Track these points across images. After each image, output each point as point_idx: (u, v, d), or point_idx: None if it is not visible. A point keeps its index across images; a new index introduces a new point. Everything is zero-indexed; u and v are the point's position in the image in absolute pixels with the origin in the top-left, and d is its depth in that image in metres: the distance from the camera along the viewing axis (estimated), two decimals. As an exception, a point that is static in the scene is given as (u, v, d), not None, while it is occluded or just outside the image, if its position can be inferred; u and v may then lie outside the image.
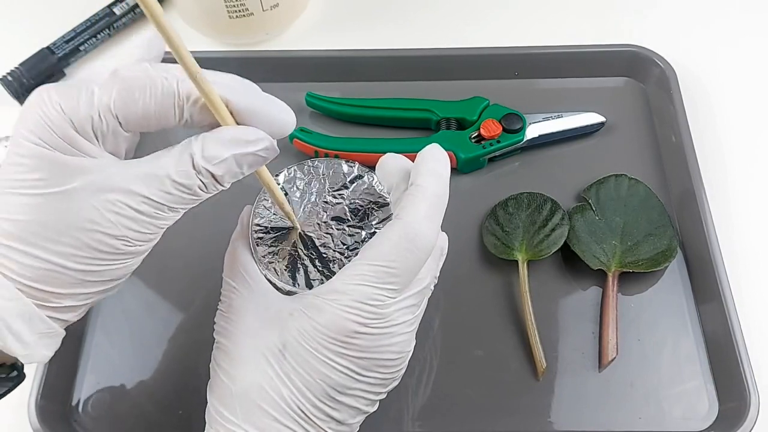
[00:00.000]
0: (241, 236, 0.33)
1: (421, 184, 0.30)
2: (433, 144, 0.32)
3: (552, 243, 0.42)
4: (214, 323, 0.32)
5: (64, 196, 0.26)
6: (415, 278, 0.30)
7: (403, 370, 0.31)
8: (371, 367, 0.29)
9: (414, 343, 0.31)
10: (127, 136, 0.28)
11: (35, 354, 0.27)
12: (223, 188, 0.28)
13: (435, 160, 0.31)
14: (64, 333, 0.28)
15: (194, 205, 0.28)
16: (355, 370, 0.29)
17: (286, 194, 0.34)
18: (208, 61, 0.49)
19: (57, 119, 0.26)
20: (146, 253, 0.29)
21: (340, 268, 0.32)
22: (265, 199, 0.34)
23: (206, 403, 0.37)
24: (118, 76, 0.26)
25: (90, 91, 0.26)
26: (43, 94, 0.26)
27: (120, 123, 0.27)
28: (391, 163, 0.33)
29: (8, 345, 0.26)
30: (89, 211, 0.26)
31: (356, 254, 0.32)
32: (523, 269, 0.41)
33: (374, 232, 0.33)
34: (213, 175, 0.27)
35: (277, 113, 0.29)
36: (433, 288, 0.32)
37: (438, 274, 0.32)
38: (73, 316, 0.28)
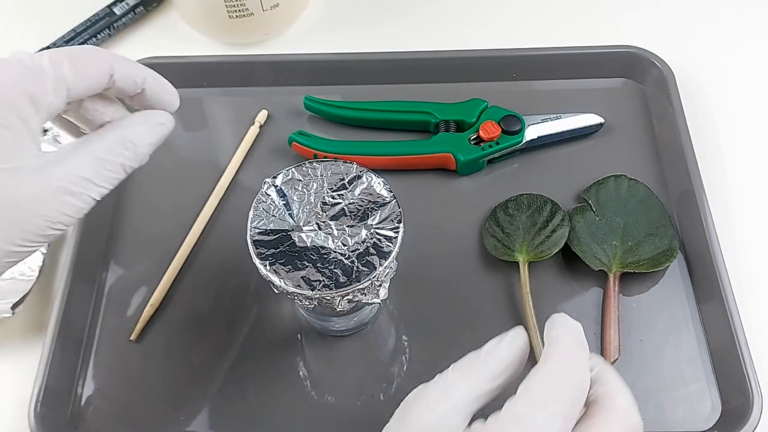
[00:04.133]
0: None
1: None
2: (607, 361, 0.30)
3: (553, 244, 0.42)
4: None
5: (8, 185, 0.26)
6: None
7: None
8: None
9: None
10: (57, 111, 0.29)
11: None
12: (135, 167, 0.30)
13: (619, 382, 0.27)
14: None
15: (113, 187, 0.29)
16: None
17: (284, 196, 0.34)
18: (209, 66, 0.50)
19: (14, 94, 0.27)
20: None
21: (341, 269, 0.32)
22: (263, 201, 0.34)
23: (207, 407, 0.37)
24: (63, 51, 0.28)
25: (43, 63, 0.28)
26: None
27: (66, 96, 0.28)
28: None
29: None
30: (33, 199, 0.26)
31: (357, 254, 0.32)
32: (524, 270, 0.41)
33: (374, 232, 0.33)
34: (134, 148, 0.29)
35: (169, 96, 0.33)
36: None
37: None
38: None
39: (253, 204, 0.34)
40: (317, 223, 0.33)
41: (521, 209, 0.44)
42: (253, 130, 0.48)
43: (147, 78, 0.31)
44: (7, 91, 0.27)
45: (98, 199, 0.29)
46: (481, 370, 0.27)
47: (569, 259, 0.42)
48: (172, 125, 0.32)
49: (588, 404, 0.26)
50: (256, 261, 0.32)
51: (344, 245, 0.32)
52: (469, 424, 0.26)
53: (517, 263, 0.41)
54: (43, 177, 0.27)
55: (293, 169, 0.35)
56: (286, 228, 0.33)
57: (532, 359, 0.40)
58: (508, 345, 0.28)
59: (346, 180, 0.34)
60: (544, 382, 0.26)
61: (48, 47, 0.51)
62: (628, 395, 0.27)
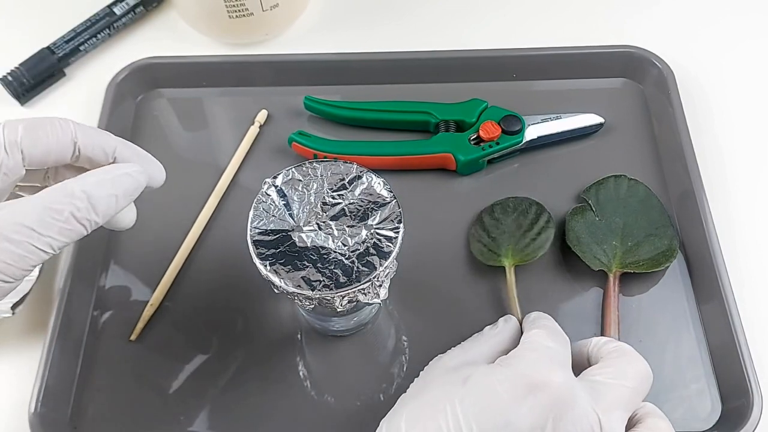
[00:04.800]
0: None
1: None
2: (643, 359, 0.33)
3: (538, 246, 0.42)
4: None
5: None
6: None
7: None
8: None
9: None
10: (20, 177, 0.30)
11: None
12: (97, 220, 0.30)
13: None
14: None
15: (69, 240, 0.29)
16: None
17: (284, 196, 0.34)
18: (209, 66, 0.50)
19: None
20: (4, 296, 0.29)
21: (341, 269, 0.32)
22: (263, 201, 0.34)
23: (207, 408, 0.37)
24: (21, 120, 0.30)
25: None
26: None
27: (23, 158, 0.29)
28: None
29: None
30: None
31: (357, 255, 0.32)
32: (510, 275, 0.41)
33: (374, 232, 0.33)
34: (89, 199, 0.29)
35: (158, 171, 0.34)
36: None
37: None
38: None
39: (253, 204, 0.34)
40: (317, 223, 0.33)
41: (507, 213, 0.44)
42: (253, 130, 0.48)
43: (117, 147, 0.32)
44: None
45: (47, 250, 0.28)
46: (486, 340, 0.35)
47: (569, 259, 0.42)
48: (142, 177, 0.32)
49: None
50: (256, 261, 0.32)
51: (344, 245, 0.32)
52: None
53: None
54: None
55: (293, 169, 0.35)
56: (286, 228, 0.33)
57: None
58: (505, 322, 0.36)
59: (346, 180, 0.34)
60: (547, 326, 0.34)
61: (48, 47, 0.51)
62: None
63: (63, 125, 0.30)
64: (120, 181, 0.31)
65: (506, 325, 0.36)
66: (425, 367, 0.34)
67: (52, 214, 0.28)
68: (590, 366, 0.33)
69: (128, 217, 0.35)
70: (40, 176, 0.33)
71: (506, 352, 0.33)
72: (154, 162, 0.34)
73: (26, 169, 0.30)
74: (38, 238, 0.28)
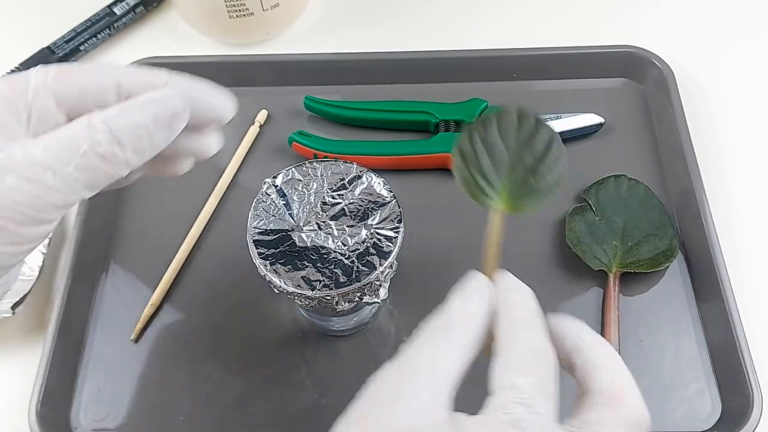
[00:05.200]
0: None
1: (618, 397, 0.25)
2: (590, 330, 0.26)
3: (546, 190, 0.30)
4: None
5: None
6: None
7: None
8: None
9: None
10: (60, 123, 0.26)
11: None
12: (127, 156, 0.25)
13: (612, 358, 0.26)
14: None
15: (94, 191, 0.26)
16: None
17: (284, 196, 0.34)
18: (209, 66, 0.50)
19: None
20: (36, 243, 0.26)
21: (341, 269, 0.32)
22: (263, 201, 0.34)
23: (207, 408, 0.37)
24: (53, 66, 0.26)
25: (27, 74, 0.26)
26: None
27: (57, 101, 0.26)
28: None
29: None
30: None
31: (357, 254, 0.32)
32: (498, 220, 0.29)
33: (374, 232, 0.33)
34: (110, 131, 0.25)
35: (216, 101, 0.29)
36: None
37: None
38: None
39: (253, 204, 0.34)
40: (317, 223, 0.33)
41: (508, 132, 0.29)
42: (253, 130, 0.48)
43: (170, 81, 0.27)
44: None
45: (66, 191, 0.25)
46: (456, 335, 0.24)
47: (569, 259, 0.42)
48: (176, 102, 0.27)
49: (589, 390, 0.25)
50: (256, 261, 0.32)
51: (344, 245, 0.32)
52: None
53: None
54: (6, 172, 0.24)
55: (293, 169, 0.35)
56: (286, 228, 0.33)
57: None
58: (478, 297, 0.25)
59: (346, 180, 0.34)
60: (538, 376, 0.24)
61: (48, 47, 0.51)
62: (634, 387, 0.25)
63: (101, 66, 0.27)
64: (147, 108, 0.26)
65: (479, 304, 0.25)
66: (368, 389, 0.25)
67: (69, 150, 0.24)
68: (568, 367, 0.26)
69: (207, 145, 0.30)
70: None
71: (480, 346, 0.25)
72: (212, 91, 0.29)
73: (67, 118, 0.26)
74: (53, 177, 0.24)
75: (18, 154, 0.24)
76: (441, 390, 0.23)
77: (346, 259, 0.32)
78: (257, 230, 0.33)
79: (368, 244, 0.32)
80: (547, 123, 0.30)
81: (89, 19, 0.53)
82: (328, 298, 0.32)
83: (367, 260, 0.32)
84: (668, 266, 0.42)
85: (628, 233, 0.42)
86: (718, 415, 0.38)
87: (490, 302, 0.26)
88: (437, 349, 0.24)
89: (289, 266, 0.32)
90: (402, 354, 0.24)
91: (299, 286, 0.31)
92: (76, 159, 0.24)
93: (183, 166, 0.32)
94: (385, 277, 0.33)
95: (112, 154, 0.25)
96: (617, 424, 0.24)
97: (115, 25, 0.53)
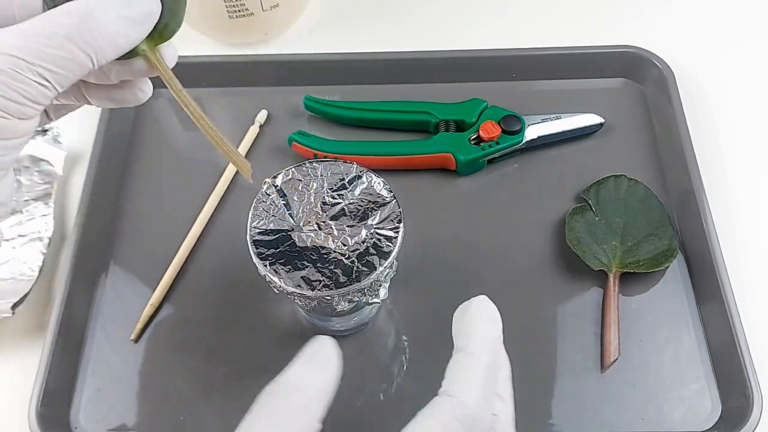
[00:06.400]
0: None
1: (474, 352, 0.26)
2: (482, 298, 0.28)
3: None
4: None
5: None
6: None
7: None
8: None
9: None
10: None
11: None
12: (104, 50, 0.23)
13: (486, 320, 0.27)
14: None
15: (64, 72, 0.23)
16: None
17: (284, 196, 0.34)
18: (209, 66, 0.50)
19: None
20: (23, 139, 0.24)
21: (341, 269, 0.32)
22: (263, 201, 0.34)
23: (207, 408, 0.37)
24: None
25: None
26: None
27: None
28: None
29: None
30: None
31: (357, 254, 0.32)
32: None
33: (374, 232, 0.33)
34: (92, 20, 0.23)
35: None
36: None
37: None
38: None
39: (253, 204, 0.34)
40: (317, 223, 0.33)
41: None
42: (253, 130, 0.48)
43: None
44: None
45: (42, 83, 0.23)
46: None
47: (569, 259, 0.42)
48: (156, 2, 0.25)
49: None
50: (256, 261, 0.32)
51: (344, 245, 0.32)
52: None
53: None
54: None
55: (293, 169, 0.35)
56: (286, 228, 0.33)
57: (531, 362, 0.40)
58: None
59: (346, 180, 0.34)
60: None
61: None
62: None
63: None
64: (133, 2, 0.24)
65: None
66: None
67: (42, 39, 0.23)
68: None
69: (170, 53, 0.27)
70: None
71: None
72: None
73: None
74: (27, 68, 0.22)
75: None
76: None
77: (346, 259, 0.32)
78: (257, 230, 0.33)
79: (368, 244, 0.32)
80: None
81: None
82: (328, 298, 0.32)
83: (367, 260, 0.32)
84: (668, 266, 0.42)
85: (628, 233, 0.42)
86: (718, 415, 0.38)
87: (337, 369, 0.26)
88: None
89: (289, 266, 0.32)
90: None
91: (299, 286, 0.31)
92: (50, 50, 0.23)
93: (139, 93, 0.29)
94: (385, 277, 0.33)
95: (89, 45, 0.23)
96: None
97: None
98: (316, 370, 0.26)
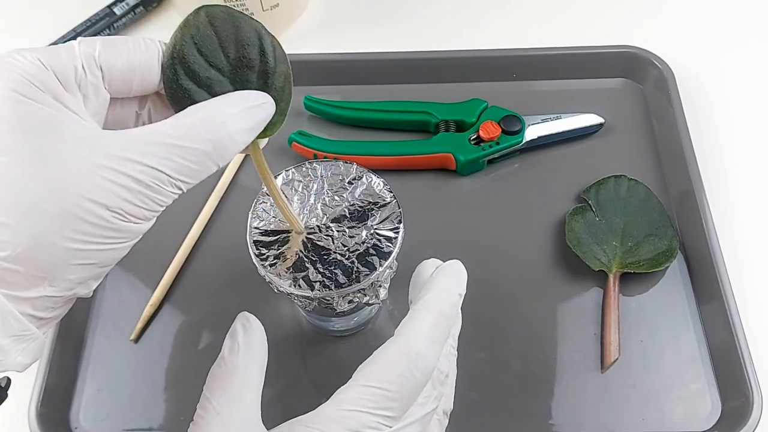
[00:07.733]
0: (241, 353, 0.29)
1: (429, 300, 0.28)
2: (455, 261, 0.30)
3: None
4: None
5: (51, 158, 0.22)
6: (415, 404, 0.27)
7: None
8: None
9: None
10: (104, 102, 0.25)
11: (9, 361, 0.22)
12: (229, 159, 0.25)
13: (449, 275, 0.29)
14: (43, 339, 0.24)
15: (195, 181, 0.24)
16: None
17: (284, 196, 0.34)
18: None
19: (36, 72, 0.22)
20: (138, 238, 0.25)
21: (341, 270, 0.32)
22: (263, 202, 0.34)
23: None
24: (98, 37, 0.25)
25: (70, 45, 0.24)
26: (13, 53, 0.23)
27: (103, 76, 0.24)
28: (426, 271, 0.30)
29: None
30: (81, 177, 0.22)
31: (357, 255, 0.32)
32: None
33: (374, 233, 0.33)
34: (229, 136, 0.24)
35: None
36: (434, 415, 0.29)
37: (444, 402, 0.29)
38: (49, 314, 0.23)
39: (253, 204, 0.34)
40: (317, 225, 0.33)
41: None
42: (253, 130, 0.48)
43: None
44: (26, 68, 0.23)
45: (174, 192, 0.24)
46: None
47: (569, 260, 0.42)
48: (271, 108, 0.27)
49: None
50: (256, 261, 0.32)
51: (344, 246, 0.32)
52: None
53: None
54: (91, 151, 0.22)
55: (293, 170, 0.35)
56: (286, 229, 0.33)
57: (533, 362, 0.40)
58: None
59: (347, 180, 0.34)
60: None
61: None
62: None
63: (148, 42, 0.25)
64: (254, 114, 0.26)
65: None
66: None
67: (183, 154, 0.23)
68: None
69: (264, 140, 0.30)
70: (131, 112, 0.27)
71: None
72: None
73: (112, 97, 0.25)
74: (168, 182, 0.23)
75: (126, 150, 0.23)
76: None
77: (346, 259, 0.32)
78: (257, 231, 0.33)
79: (368, 245, 0.32)
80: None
81: (89, 19, 0.53)
82: (328, 298, 0.32)
83: (367, 261, 0.32)
84: (668, 266, 0.42)
85: (628, 233, 0.43)
86: (718, 415, 0.38)
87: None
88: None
89: (289, 267, 0.32)
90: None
91: (299, 286, 0.31)
92: (189, 164, 0.24)
93: None
94: (385, 278, 0.33)
95: (221, 158, 0.25)
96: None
97: (115, 25, 0.53)
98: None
